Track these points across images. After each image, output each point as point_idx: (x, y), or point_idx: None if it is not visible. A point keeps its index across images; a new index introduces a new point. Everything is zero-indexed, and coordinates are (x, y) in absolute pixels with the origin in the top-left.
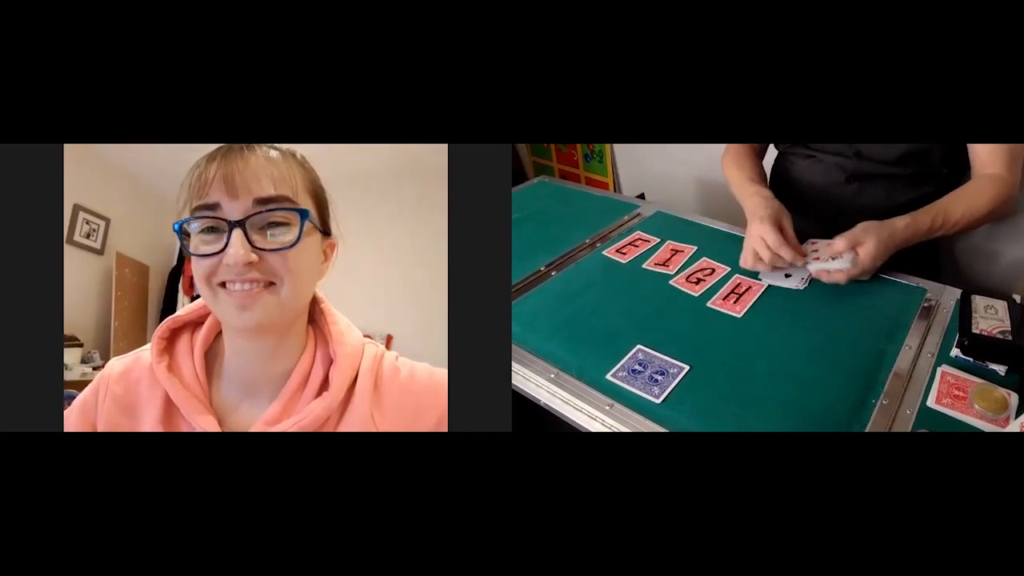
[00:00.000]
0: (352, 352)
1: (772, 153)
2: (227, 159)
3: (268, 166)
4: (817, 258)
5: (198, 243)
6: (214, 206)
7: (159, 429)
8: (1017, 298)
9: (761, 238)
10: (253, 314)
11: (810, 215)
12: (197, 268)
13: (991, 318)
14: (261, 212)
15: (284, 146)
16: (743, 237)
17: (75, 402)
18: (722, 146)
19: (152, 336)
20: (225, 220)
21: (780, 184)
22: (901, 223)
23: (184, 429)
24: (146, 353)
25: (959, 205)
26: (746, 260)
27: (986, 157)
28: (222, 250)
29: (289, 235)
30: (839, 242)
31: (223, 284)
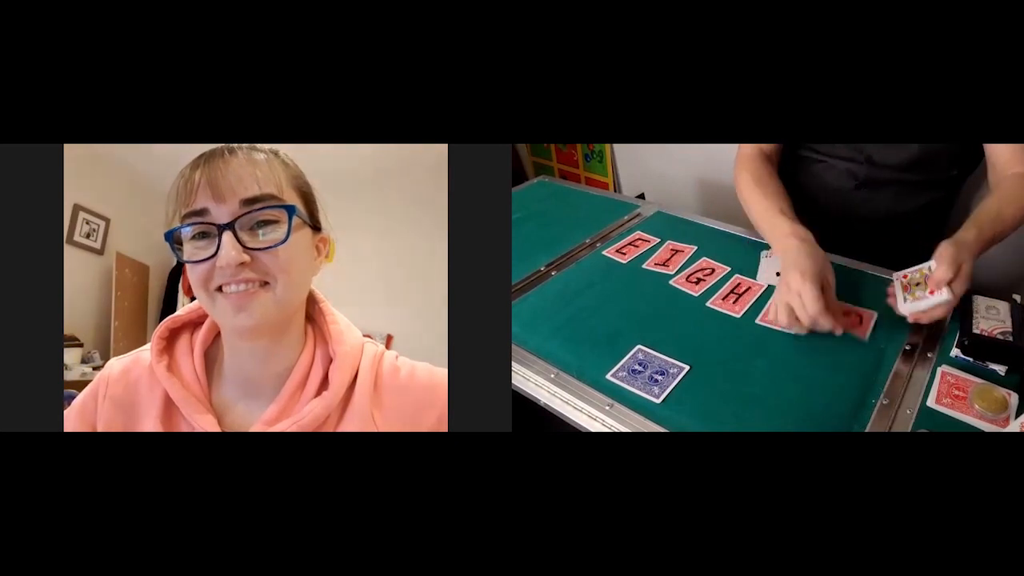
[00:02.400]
0: (351, 351)
1: None
2: (210, 164)
3: (251, 167)
4: (911, 295)
5: (190, 250)
6: (202, 211)
7: (159, 429)
8: (1017, 298)
9: (799, 296)
10: (250, 314)
11: (818, 221)
12: (193, 274)
13: (992, 318)
14: (249, 212)
15: (266, 146)
16: (743, 237)
17: (74, 403)
18: (722, 146)
19: (152, 336)
20: (214, 224)
21: (787, 188)
22: (971, 236)
23: (184, 428)
24: (145, 353)
25: (1009, 208)
26: (780, 318)
27: (1009, 157)
28: (214, 254)
29: (278, 232)
30: (940, 272)
31: (220, 289)
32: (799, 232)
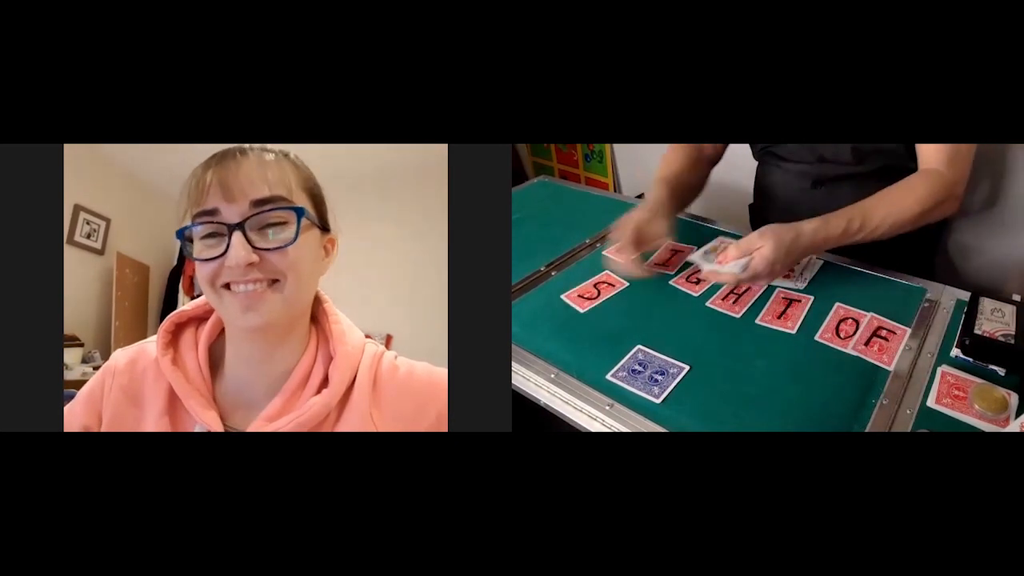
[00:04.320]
0: (352, 351)
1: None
2: (222, 165)
3: (262, 168)
4: (720, 260)
5: (201, 248)
6: (213, 211)
7: (163, 421)
8: (1017, 297)
9: (619, 229)
10: (258, 314)
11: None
12: (201, 272)
13: (996, 320)
14: (259, 213)
15: (277, 147)
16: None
17: (80, 392)
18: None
19: (157, 330)
20: (225, 224)
21: (761, 193)
22: (809, 227)
23: (187, 421)
24: (150, 345)
25: (880, 207)
26: (611, 232)
27: (929, 153)
28: (224, 253)
29: (287, 233)
30: (732, 249)
31: (227, 286)
32: (661, 192)
